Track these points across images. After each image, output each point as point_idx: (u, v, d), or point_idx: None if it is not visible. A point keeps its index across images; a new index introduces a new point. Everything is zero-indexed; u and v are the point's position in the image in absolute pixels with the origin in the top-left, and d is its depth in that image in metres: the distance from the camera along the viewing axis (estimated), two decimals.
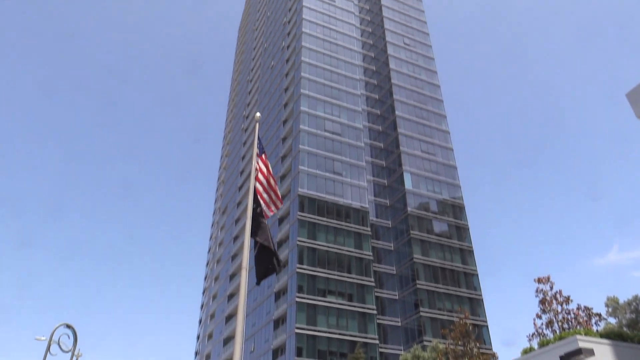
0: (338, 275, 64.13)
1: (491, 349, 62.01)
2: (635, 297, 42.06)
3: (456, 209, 76.68)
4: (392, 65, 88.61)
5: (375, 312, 63.97)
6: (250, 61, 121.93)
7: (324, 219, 67.88)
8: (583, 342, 26.81)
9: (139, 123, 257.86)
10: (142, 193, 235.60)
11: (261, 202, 13.85)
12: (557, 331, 35.52)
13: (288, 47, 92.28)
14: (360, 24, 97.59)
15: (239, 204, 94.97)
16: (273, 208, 14.43)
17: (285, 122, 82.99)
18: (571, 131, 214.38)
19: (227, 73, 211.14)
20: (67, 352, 27.75)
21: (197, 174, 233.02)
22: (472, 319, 56.60)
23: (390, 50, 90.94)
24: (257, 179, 13.82)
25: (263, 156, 14.38)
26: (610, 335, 29.00)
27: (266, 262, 12.77)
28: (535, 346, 30.74)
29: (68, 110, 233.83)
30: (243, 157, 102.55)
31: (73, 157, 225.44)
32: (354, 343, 59.78)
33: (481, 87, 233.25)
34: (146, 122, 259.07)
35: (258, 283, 13.11)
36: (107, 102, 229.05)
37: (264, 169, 14.25)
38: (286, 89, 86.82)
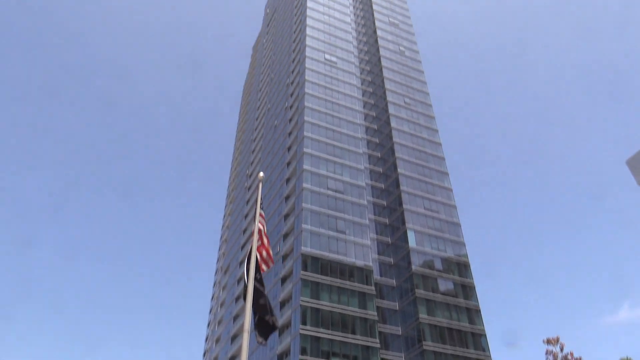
0: (342, 337, 62.67)
1: None
2: None
3: (461, 267, 75.79)
4: (393, 124, 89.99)
5: None
6: (254, 121, 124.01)
7: (328, 278, 67.06)
8: None
9: (140, 192, 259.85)
10: (144, 252, 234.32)
11: (258, 257, 14.07)
12: None
13: (291, 107, 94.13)
14: (362, 84, 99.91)
15: (241, 263, 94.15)
16: (264, 266, 14.65)
17: (288, 180, 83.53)
18: (570, 194, 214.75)
19: (230, 133, 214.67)
20: None
21: (199, 233, 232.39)
22: None
23: (391, 109, 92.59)
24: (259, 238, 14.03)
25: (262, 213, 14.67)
26: None
27: (265, 326, 12.75)
28: None
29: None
30: (246, 216, 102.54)
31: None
32: None
33: (482, 140, 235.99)
34: (146, 189, 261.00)
35: (263, 341, 13.00)
36: (116, 172, 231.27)
37: (262, 228, 14.53)
38: (289, 148, 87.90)
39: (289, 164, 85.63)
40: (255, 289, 13.59)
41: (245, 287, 13.49)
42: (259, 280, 13.85)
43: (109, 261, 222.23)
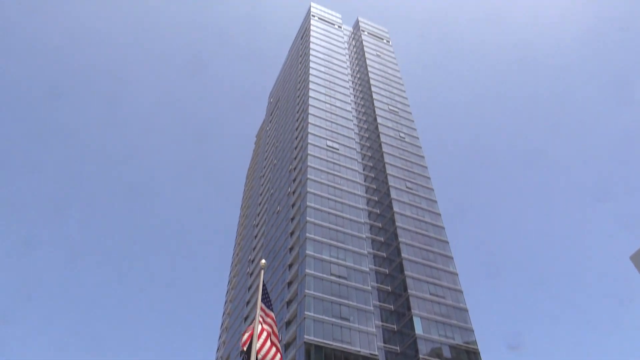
0: None
1: None
2: None
3: (470, 355, 73.23)
4: (395, 209, 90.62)
5: None
6: (256, 206, 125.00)
7: None
8: None
9: (139, 281, 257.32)
10: (142, 344, 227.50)
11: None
12: None
13: (294, 192, 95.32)
14: (364, 170, 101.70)
15: (241, 352, 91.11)
16: None
17: (290, 266, 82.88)
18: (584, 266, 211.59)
19: (233, 219, 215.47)
20: None
21: (199, 319, 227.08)
22: None
23: (393, 194, 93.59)
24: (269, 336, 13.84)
25: (272, 314, 14.45)
26: None
27: None
28: None
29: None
30: (248, 303, 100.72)
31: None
32: None
33: (484, 220, 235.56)
34: (145, 274, 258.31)
35: None
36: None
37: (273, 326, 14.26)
38: (292, 233, 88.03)
39: (291, 249, 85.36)
40: None
41: None
42: None
43: None
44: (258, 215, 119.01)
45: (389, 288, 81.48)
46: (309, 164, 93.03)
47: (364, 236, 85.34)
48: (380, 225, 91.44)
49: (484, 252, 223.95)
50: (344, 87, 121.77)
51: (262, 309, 14.77)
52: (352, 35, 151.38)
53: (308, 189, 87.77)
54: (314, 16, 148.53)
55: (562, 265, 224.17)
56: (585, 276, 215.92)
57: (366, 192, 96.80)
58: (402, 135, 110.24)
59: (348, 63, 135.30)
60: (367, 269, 79.97)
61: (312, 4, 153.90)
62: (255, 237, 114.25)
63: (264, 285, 14.26)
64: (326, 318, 69.85)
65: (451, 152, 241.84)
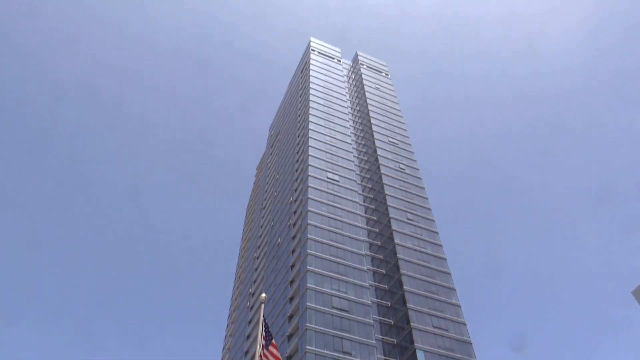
0: None
1: None
2: None
3: None
4: (397, 240, 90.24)
5: None
6: (257, 239, 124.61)
7: None
8: None
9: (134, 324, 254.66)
10: None
11: None
12: None
13: (294, 224, 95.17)
14: (364, 202, 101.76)
15: None
16: None
17: (291, 299, 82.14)
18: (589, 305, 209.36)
19: (233, 252, 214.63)
20: None
21: (200, 356, 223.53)
22: None
23: (394, 225, 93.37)
24: None
25: (273, 348, 14.29)
26: None
27: None
28: None
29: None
30: (248, 337, 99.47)
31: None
32: None
33: (487, 250, 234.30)
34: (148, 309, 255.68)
35: None
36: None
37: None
38: (292, 266, 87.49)
39: (292, 282, 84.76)
40: None
41: None
42: None
43: None
44: (259, 247, 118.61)
45: (392, 321, 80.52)
46: (309, 196, 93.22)
47: (365, 268, 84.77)
48: (381, 257, 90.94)
49: (484, 264, 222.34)
50: (344, 120, 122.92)
51: (265, 345, 14.51)
52: (352, 69, 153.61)
53: (308, 221, 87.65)
54: (313, 50, 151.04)
55: (568, 287, 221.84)
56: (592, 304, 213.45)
57: (367, 224, 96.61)
58: (402, 166, 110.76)
59: (348, 96, 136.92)
60: (369, 302, 79.18)
61: (312, 39, 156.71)
62: (256, 269, 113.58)
63: (264, 320, 14.10)
64: (328, 352, 68.85)
65: (451, 183, 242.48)
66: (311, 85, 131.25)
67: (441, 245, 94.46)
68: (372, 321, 76.42)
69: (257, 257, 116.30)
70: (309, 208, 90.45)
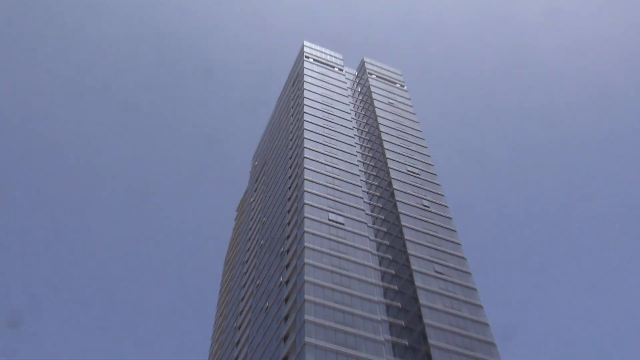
0: None
1: None
2: None
3: None
4: (422, 301, 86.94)
5: None
6: (238, 302, 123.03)
7: None
8: None
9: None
10: None
11: None
12: None
13: (287, 282, 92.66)
14: (378, 250, 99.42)
15: None
16: None
17: None
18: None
19: (208, 321, 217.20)
20: None
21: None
22: None
23: (418, 281, 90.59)
24: None
25: None
26: None
27: None
28: None
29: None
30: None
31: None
32: None
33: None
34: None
35: None
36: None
37: None
38: (285, 338, 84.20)
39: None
40: None
41: None
42: None
43: None
44: (240, 314, 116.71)
45: None
46: (306, 244, 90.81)
47: (382, 339, 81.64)
48: (403, 323, 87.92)
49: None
50: (349, 145, 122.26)
51: None
52: (357, 80, 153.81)
53: (306, 278, 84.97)
54: (307, 57, 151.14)
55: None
56: None
57: (382, 280, 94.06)
58: (425, 204, 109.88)
59: (353, 113, 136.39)
60: None
61: (305, 43, 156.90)
62: (237, 344, 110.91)
63: None
64: None
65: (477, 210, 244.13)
66: (305, 101, 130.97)
67: (482, 307, 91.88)
68: None
69: (239, 327, 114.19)
70: (305, 260, 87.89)
